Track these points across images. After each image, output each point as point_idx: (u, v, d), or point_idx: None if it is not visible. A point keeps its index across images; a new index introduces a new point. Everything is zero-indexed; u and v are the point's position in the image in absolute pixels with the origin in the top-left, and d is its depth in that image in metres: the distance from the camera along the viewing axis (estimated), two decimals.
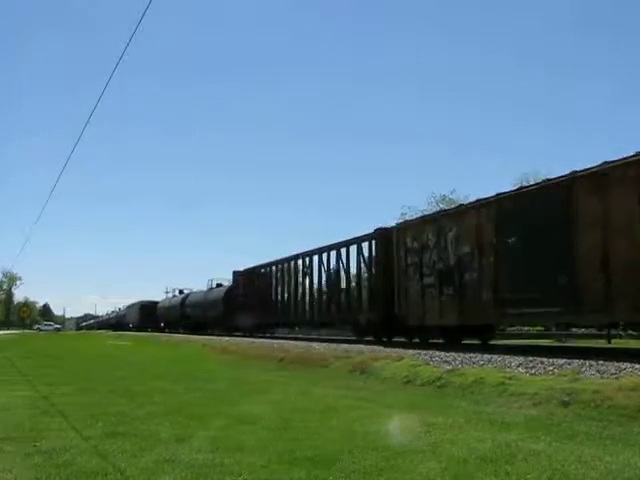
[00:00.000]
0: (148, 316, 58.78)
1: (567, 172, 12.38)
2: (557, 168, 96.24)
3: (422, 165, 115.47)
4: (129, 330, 63.12)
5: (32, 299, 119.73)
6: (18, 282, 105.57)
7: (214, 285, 42.33)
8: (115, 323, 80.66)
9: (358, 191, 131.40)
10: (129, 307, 73.73)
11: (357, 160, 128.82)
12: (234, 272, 34.51)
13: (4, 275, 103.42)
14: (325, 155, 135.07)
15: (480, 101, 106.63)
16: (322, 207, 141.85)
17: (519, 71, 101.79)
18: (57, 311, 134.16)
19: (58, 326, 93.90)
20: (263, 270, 31.27)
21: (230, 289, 35.92)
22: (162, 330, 52.33)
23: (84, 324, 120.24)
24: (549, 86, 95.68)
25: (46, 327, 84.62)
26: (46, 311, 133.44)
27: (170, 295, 63.11)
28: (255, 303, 30.71)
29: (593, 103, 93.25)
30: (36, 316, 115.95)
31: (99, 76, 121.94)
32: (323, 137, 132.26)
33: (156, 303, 59.85)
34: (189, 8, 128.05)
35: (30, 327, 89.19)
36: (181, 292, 55.85)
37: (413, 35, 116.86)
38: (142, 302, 65.60)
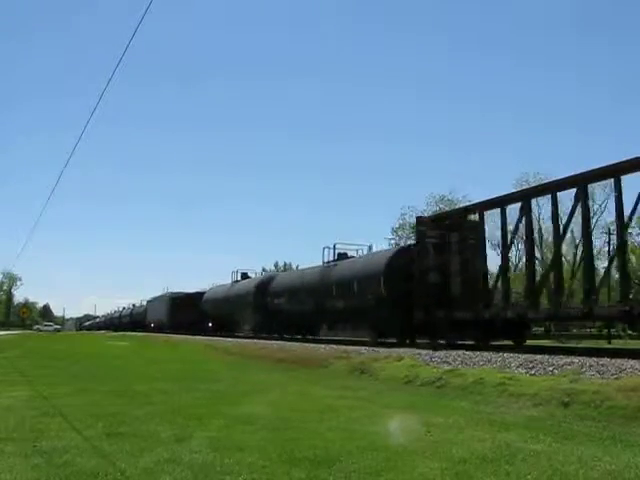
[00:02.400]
0: (185, 312, 42.55)
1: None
2: (557, 168, 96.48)
3: (422, 165, 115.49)
4: (151, 331, 49.74)
5: (32, 300, 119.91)
6: (18, 282, 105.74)
7: (329, 256, 24.01)
8: (129, 322, 66.35)
9: (358, 191, 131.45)
10: (152, 301, 57.07)
11: (357, 160, 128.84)
12: (418, 219, 19.41)
13: (4, 275, 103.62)
14: (325, 155, 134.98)
15: (480, 101, 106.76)
16: (322, 207, 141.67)
17: (519, 71, 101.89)
18: (57, 312, 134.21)
19: (58, 326, 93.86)
20: (492, 210, 15.98)
21: (401, 254, 19.18)
22: (212, 332, 36.20)
23: (87, 323, 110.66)
24: (549, 86, 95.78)
25: (46, 327, 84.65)
26: (46, 311, 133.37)
27: (219, 282, 44.72)
28: (474, 279, 15.92)
29: (593, 103, 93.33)
30: (36, 317, 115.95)
31: (99, 76, 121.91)
32: (323, 137, 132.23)
33: (200, 294, 42.08)
34: (189, 8, 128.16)
35: (30, 327, 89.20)
36: (245, 276, 36.20)
37: (413, 35, 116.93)
38: (173, 293, 49.79)
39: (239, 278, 36.09)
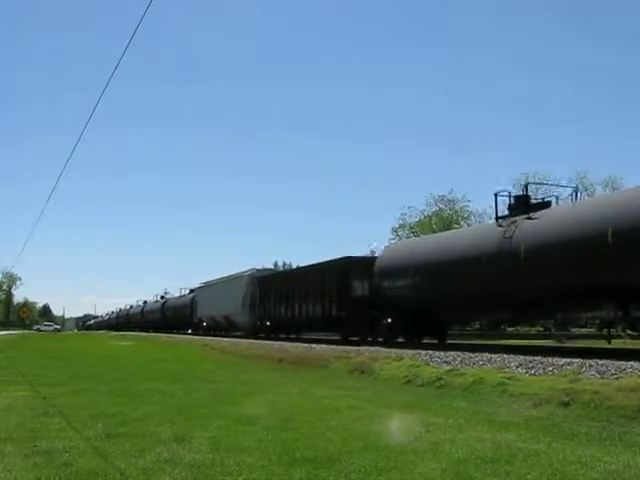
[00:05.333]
0: (295, 303, 23.46)
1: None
2: (557, 168, 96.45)
3: (422, 165, 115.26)
4: (211, 334, 34.24)
5: (32, 299, 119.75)
6: (18, 282, 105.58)
7: None
8: (158, 320, 49.77)
9: (358, 191, 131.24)
10: (206, 287, 38.31)
11: (357, 160, 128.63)
12: None
13: (4, 275, 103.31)
14: (325, 155, 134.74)
15: (480, 101, 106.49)
16: (322, 207, 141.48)
17: (519, 71, 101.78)
18: (57, 312, 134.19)
19: (58, 326, 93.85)
20: None
21: None
22: (393, 339, 17.68)
23: (91, 322, 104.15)
24: (549, 86, 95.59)
25: (46, 327, 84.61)
26: (46, 311, 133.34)
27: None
28: None
29: (593, 103, 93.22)
30: (36, 316, 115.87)
31: (100, 76, 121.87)
32: (323, 137, 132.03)
33: (368, 260, 21.41)
34: (190, 8, 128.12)
35: (30, 327, 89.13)
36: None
37: (413, 35, 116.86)
38: (259, 271, 29.93)
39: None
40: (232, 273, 34.17)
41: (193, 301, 41.27)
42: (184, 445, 5.32)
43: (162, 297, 56.02)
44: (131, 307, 69.33)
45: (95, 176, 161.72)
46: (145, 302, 62.59)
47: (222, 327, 34.70)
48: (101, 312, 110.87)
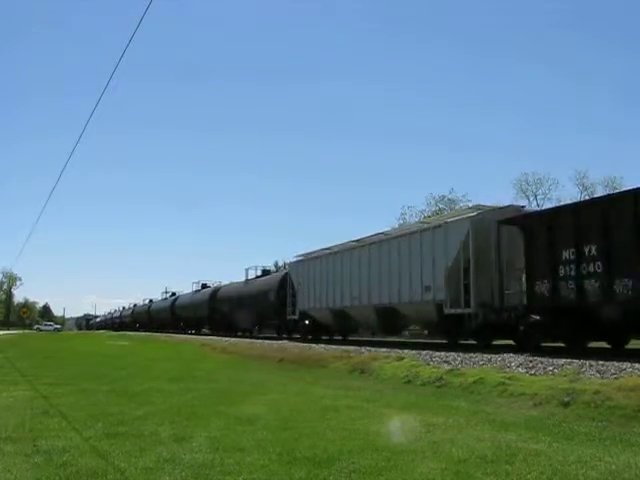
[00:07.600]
0: None
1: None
2: (557, 168, 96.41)
3: (422, 165, 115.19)
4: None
5: (32, 299, 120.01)
6: (18, 282, 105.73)
7: None
8: (204, 317, 36.67)
9: (358, 191, 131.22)
10: (312, 260, 22.68)
11: (357, 160, 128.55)
12: None
13: (4, 275, 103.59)
14: (325, 155, 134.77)
15: (480, 101, 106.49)
16: (322, 207, 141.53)
17: (519, 71, 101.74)
18: (57, 311, 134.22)
19: (58, 326, 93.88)
20: None
21: None
22: None
23: (96, 320, 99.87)
24: (549, 86, 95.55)
25: (46, 327, 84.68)
26: (46, 311, 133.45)
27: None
28: None
29: (593, 103, 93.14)
30: (36, 316, 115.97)
31: (100, 76, 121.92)
32: (323, 137, 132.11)
33: None
34: (190, 8, 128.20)
35: (30, 327, 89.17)
36: None
37: (413, 35, 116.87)
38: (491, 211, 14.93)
39: None
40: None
41: (285, 284, 24.55)
42: (184, 445, 5.32)
43: (201, 286, 40.76)
44: (151, 301, 55.36)
45: (95, 176, 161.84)
46: (174, 294, 48.13)
47: (368, 326, 20.36)
48: (101, 312, 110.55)
